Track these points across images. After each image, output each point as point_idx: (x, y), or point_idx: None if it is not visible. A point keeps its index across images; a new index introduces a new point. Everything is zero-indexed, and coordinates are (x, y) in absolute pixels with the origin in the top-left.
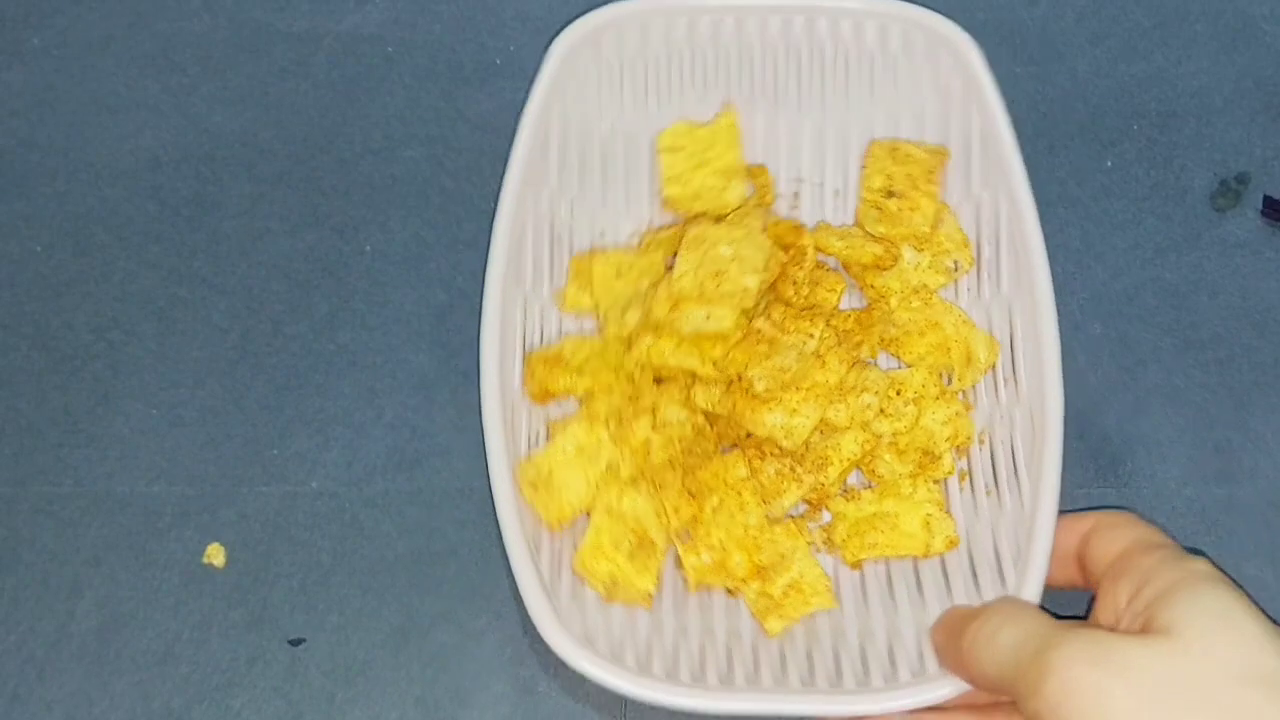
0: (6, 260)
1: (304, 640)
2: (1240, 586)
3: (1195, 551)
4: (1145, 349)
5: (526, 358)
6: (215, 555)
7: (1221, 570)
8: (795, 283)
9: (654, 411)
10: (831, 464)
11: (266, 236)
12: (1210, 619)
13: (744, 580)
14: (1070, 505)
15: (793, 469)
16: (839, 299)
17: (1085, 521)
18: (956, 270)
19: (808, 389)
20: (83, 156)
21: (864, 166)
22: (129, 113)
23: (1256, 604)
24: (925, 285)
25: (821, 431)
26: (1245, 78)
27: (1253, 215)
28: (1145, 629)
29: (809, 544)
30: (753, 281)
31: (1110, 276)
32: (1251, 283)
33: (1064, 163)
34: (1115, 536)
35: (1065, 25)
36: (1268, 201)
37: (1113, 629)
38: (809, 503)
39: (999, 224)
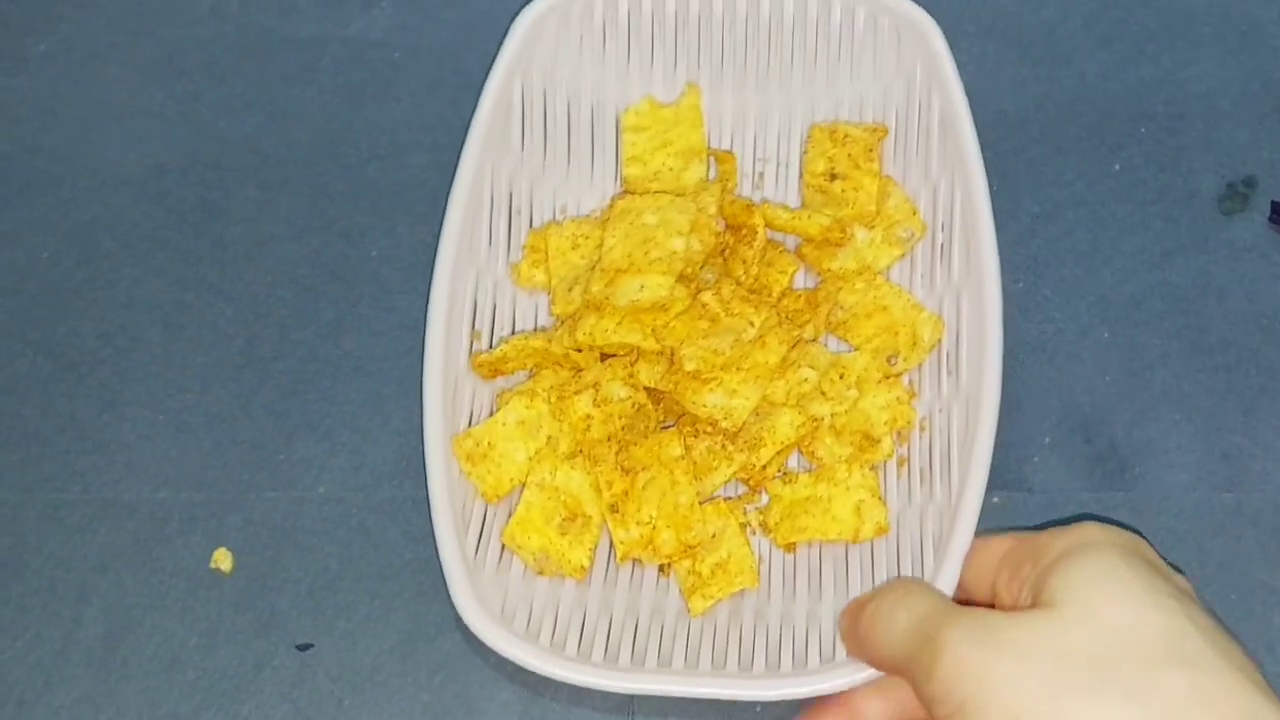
0: (13, 267)
1: (312, 646)
2: (1144, 539)
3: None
4: (1153, 354)
5: (472, 358)
6: (222, 561)
7: (1119, 528)
8: (745, 262)
9: (596, 388)
10: (765, 445)
11: (272, 242)
12: (1091, 585)
13: (670, 557)
14: (1078, 510)
15: (724, 446)
16: (790, 280)
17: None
18: (911, 239)
19: (748, 370)
20: (88, 163)
21: (805, 151)
22: (134, 119)
23: (1160, 557)
24: (879, 262)
25: (759, 413)
26: (1252, 80)
27: (1259, 219)
28: (1034, 604)
29: (742, 525)
30: (680, 244)
31: (1118, 280)
32: (1259, 287)
33: (1071, 165)
34: (996, 541)
35: (1073, 28)
36: (1275, 208)
37: (1013, 608)
38: (747, 485)
39: (954, 211)
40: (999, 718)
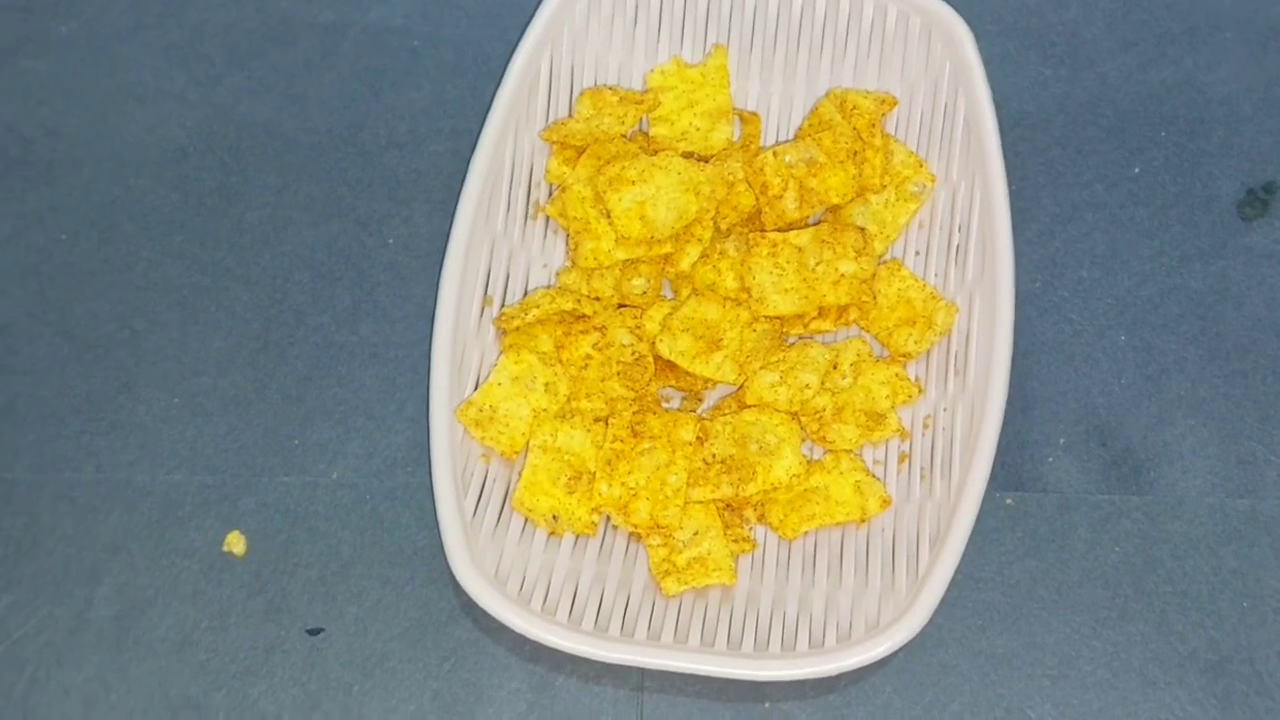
0: (32, 248)
1: (322, 630)
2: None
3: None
4: (1169, 358)
5: (500, 315)
6: (235, 544)
7: None
8: (781, 200)
9: (603, 331)
10: (756, 479)
11: (290, 227)
12: None
13: (637, 527)
14: (1092, 513)
15: (719, 474)
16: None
17: None
18: (923, 191)
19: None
20: (109, 146)
21: (808, 123)
22: (155, 102)
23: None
24: (898, 219)
25: (760, 445)
26: (1275, 85)
27: (1279, 225)
28: None
29: (726, 526)
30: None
31: (1135, 284)
32: (1277, 293)
33: (1091, 167)
34: None
35: (1095, 30)
36: None
37: None
38: (731, 507)
39: (972, 214)
40: None
